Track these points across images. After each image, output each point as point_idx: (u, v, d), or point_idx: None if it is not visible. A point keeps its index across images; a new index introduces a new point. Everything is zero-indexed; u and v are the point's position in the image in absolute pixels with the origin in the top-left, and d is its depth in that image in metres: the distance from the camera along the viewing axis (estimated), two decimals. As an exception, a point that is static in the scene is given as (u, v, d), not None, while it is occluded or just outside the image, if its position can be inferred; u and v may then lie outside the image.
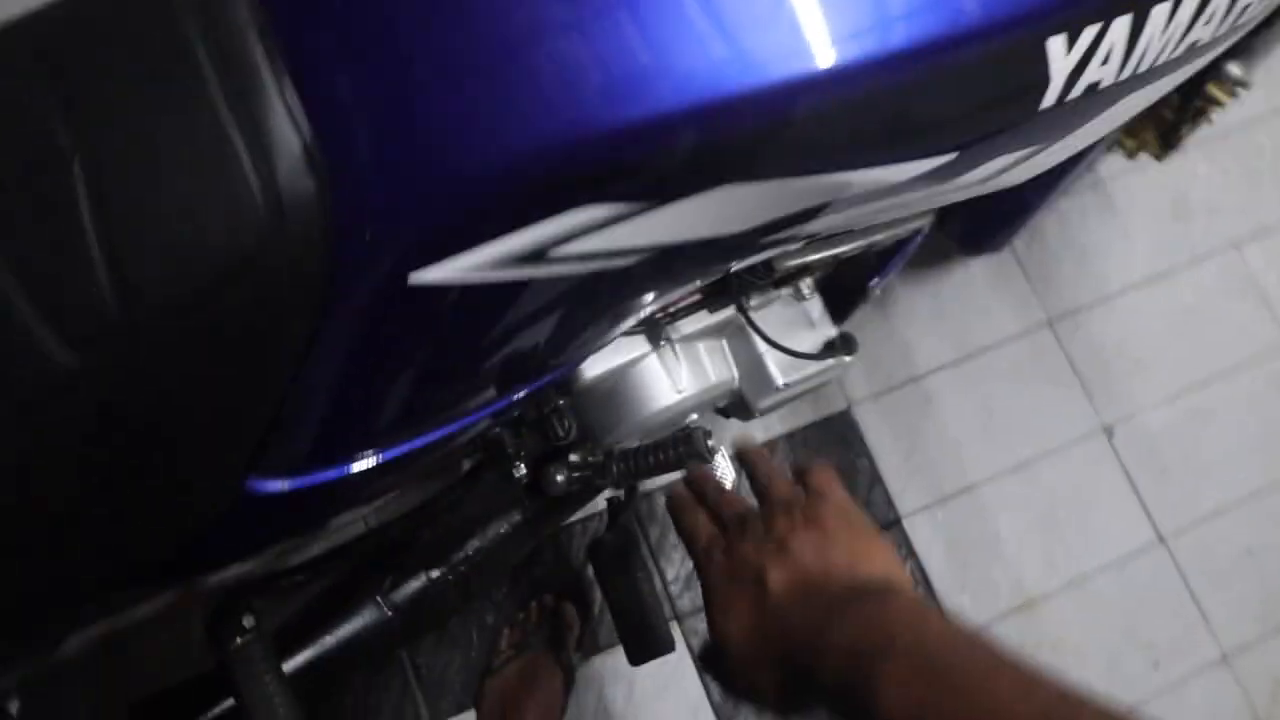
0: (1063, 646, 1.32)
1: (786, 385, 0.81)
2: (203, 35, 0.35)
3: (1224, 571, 1.35)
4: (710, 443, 0.73)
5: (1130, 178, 1.50)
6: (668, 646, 0.88)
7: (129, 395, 0.37)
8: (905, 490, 1.35)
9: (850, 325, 0.89)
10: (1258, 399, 1.42)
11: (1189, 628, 1.34)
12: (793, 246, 0.62)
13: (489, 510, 0.96)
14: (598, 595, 1.20)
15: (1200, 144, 1.42)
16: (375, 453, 0.51)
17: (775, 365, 0.81)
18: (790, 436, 1.35)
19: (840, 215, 0.47)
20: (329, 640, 0.90)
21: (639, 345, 0.78)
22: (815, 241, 0.65)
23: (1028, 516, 1.36)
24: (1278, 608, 1.34)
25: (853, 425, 1.37)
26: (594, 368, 0.79)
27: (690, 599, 1.24)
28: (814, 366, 0.82)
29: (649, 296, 0.52)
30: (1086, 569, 1.35)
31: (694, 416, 0.92)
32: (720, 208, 0.39)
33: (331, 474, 0.51)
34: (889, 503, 1.34)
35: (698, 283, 0.60)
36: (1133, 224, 1.50)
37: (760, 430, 1.33)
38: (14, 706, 0.66)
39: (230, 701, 0.86)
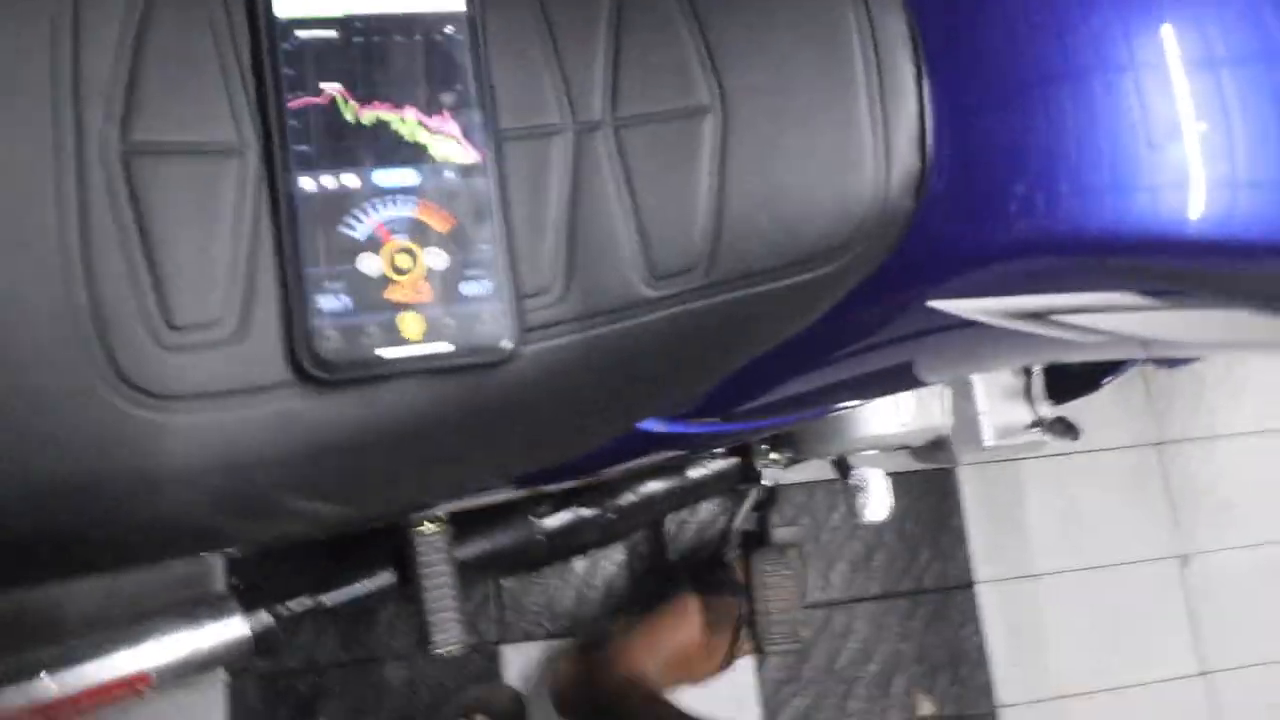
0: (1087, 746, 1.38)
1: (994, 447, 0.85)
2: (859, 28, 0.38)
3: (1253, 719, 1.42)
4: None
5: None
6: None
7: (674, 339, 0.41)
8: (985, 559, 1.40)
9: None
10: (1332, 574, 1.47)
11: (1205, 763, 1.40)
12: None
13: (654, 469, 1.00)
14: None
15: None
16: (737, 422, 0.55)
17: (988, 425, 0.85)
18: (896, 476, 1.39)
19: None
20: (484, 544, 0.95)
21: (880, 370, 0.82)
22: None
23: (1087, 616, 1.42)
24: (1294, 769, 1.40)
25: (954, 485, 1.42)
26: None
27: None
28: (1023, 438, 0.86)
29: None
30: (1127, 681, 1.41)
31: (875, 452, 0.97)
32: (1212, 323, 0.43)
33: (696, 429, 0.55)
34: (968, 566, 1.39)
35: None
36: (1254, 376, 1.54)
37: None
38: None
39: (389, 575, 0.91)
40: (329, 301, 0.36)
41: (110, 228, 0.35)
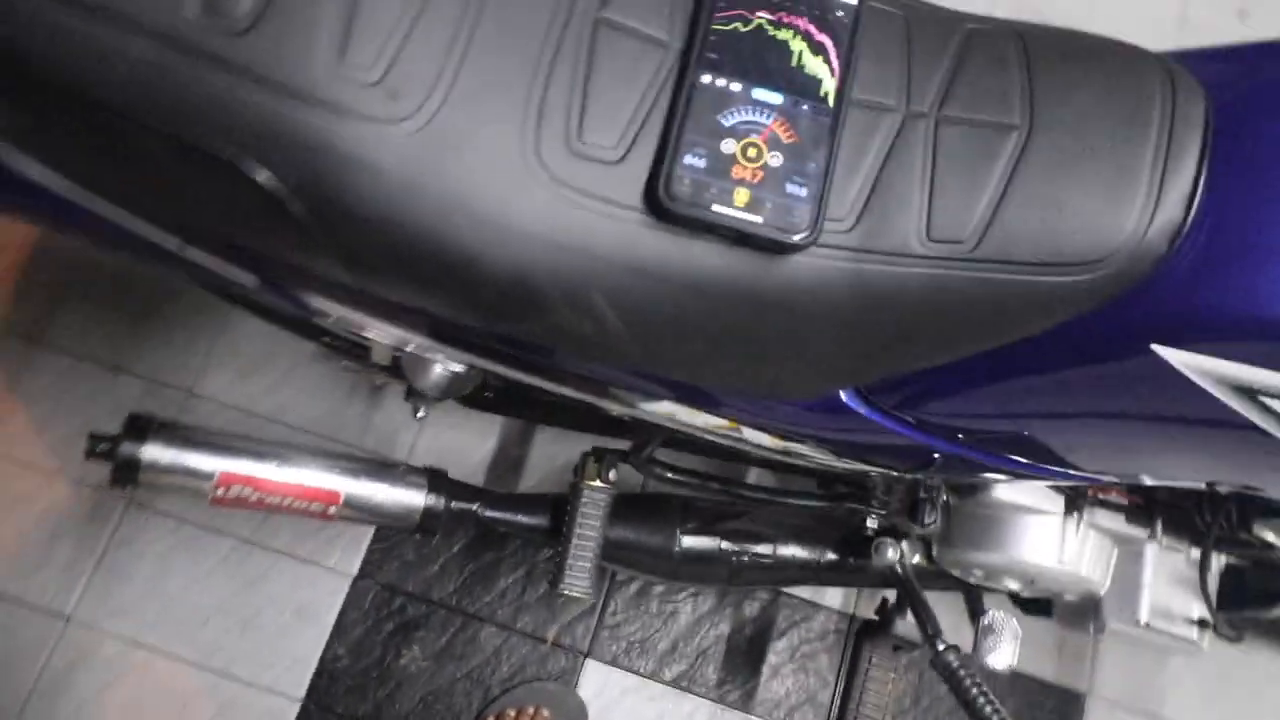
0: None
1: (1146, 625, 0.84)
2: (1162, 104, 0.47)
3: None
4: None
5: None
6: None
7: (925, 297, 0.49)
8: (1086, 802, 1.30)
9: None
10: None
11: None
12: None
13: (802, 534, 1.04)
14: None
15: None
16: (927, 433, 0.62)
17: (1147, 602, 0.84)
18: (1018, 675, 1.34)
19: None
20: (627, 531, 1.02)
21: (1055, 502, 0.85)
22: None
23: None
24: None
25: (1078, 712, 1.34)
26: (1005, 492, 0.86)
27: None
28: (1180, 629, 0.84)
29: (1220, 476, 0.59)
30: None
31: (1017, 586, 0.97)
32: None
33: (890, 425, 0.62)
34: (1066, 801, 1.29)
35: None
36: None
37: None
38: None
39: (544, 519, 1.00)
40: (692, 160, 0.48)
41: (569, 66, 0.49)
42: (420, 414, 1.00)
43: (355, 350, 1.10)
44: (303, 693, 1.23)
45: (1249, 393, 0.48)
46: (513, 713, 1.19)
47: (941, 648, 0.81)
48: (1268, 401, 0.47)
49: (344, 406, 1.36)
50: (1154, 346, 0.48)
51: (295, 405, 1.34)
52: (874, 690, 0.94)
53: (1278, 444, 0.51)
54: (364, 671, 1.26)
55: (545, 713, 1.20)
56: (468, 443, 1.37)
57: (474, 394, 1.14)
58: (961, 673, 0.79)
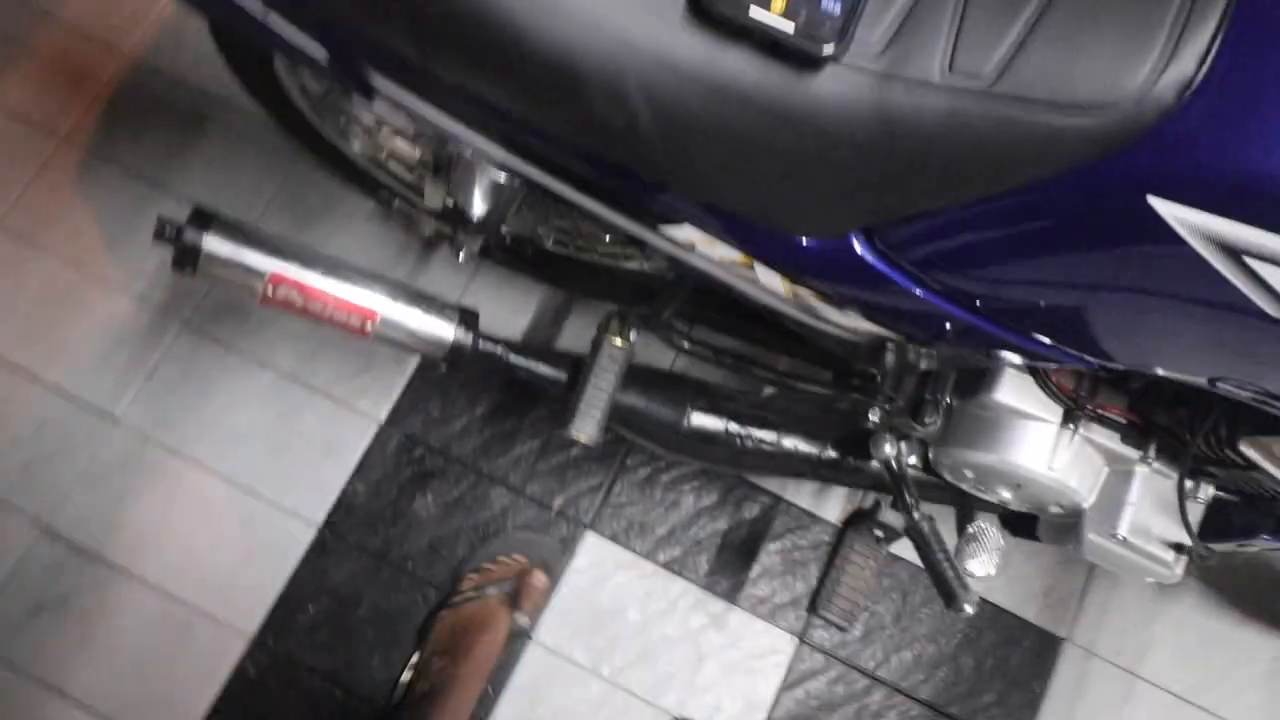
0: None
1: (1125, 540, 0.87)
2: None
3: None
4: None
5: None
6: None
7: (940, 129, 0.52)
8: (1050, 739, 1.33)
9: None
10: None
11: None
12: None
13: (808, 426, 1.08)
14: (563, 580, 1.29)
15: None
16: (928, 289, 0.65)
17: (1129, 519, 0.87)
18: (1000, 611, 1.37)
19: None
20: (639, 399, 1.07)
21: (1053, 411, 0.87)
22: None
23: None
24: None
25: (1053, 654, 1.37)
26: (1005, 395, 0.88)
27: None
28: (1157, 549, 0.87)
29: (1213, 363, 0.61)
30: None
31: (1006, 495, 1.00)
32: None
33: (902, 281, 0.65)
34: (1029, 733, 1.33)
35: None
36: None
37: (984, 587, 1.36)
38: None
39: (562, 374, 1.06)
40: (735, -33, 0.51)
41: None
42: (462, 258, 1.05)
43: (409, 193, 1.15)
44: (321, 520, 1.32)
45: (1235, 254, 0.50)
46: (506, 560, 1.26)
47: (918, 516, 0.85)
48: (1252, 264, 0.50)
49: (393, 265, 1.42)
50: (1149, 198, 0.50)
51: (347, 256, 1.40)
52: (851, 574, 0.98)
53: (1263, 319, 0.53)
54: (379, 510, 1.34)
55: (541, 576, 1.26)
56: (504, 318, 1.42)
57: (513, 249, 1.19)
58: (932, 540, 0.83)
